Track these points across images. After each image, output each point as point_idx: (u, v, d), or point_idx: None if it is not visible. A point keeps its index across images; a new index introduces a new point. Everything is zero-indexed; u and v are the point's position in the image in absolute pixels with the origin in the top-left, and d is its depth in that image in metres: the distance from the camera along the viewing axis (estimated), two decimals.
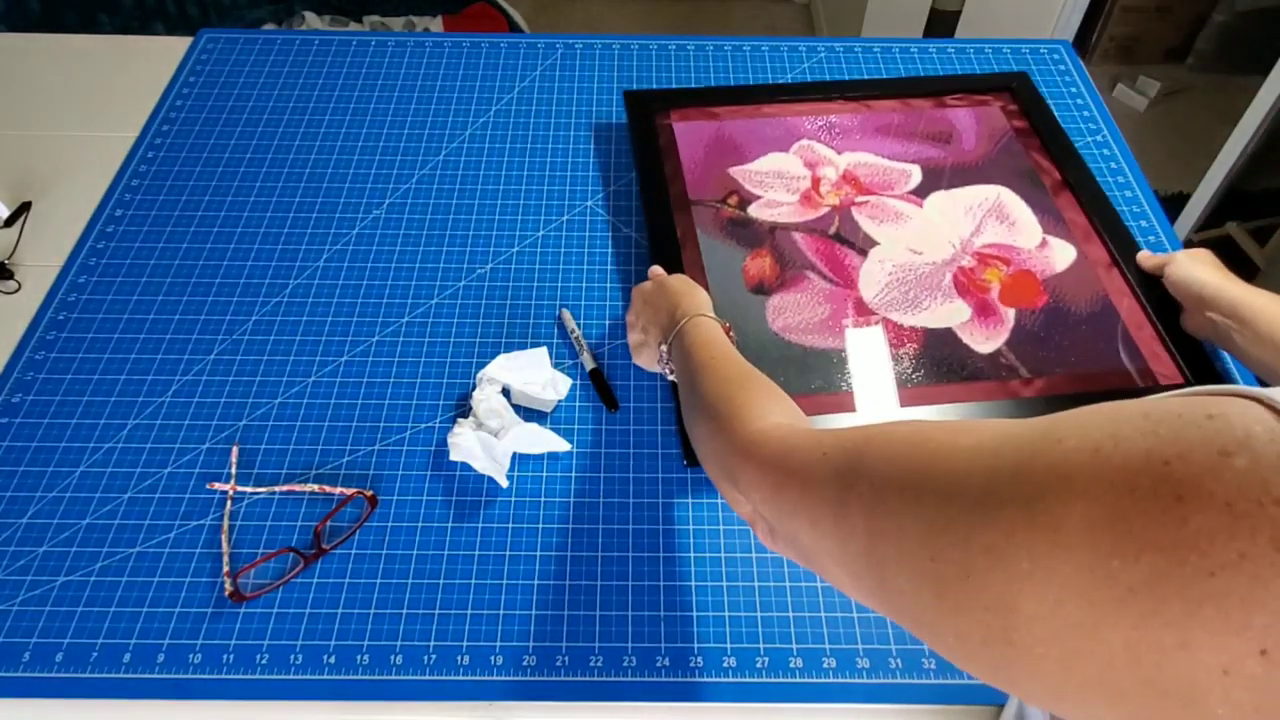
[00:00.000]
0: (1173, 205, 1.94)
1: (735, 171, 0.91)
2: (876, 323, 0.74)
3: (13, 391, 0.76)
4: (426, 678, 0.61)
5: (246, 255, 0.86)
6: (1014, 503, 0.27)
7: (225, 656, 0.62)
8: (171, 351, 0.79)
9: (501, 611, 0.64)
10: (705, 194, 0.88)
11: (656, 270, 0.76)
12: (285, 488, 0.70)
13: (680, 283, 0.70)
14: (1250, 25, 2.21)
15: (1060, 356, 0.76)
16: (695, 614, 0.64)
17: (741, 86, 1.01)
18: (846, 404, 0.73)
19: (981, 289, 0.81)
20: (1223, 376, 0.73)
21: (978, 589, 0.27)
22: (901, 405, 0.73)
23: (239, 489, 0.70)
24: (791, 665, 0.62)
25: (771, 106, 0.97)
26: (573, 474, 0.71)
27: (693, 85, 1.05)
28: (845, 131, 0.95)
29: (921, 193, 0.89)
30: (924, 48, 1.11)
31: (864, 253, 0.84)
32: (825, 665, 0.62)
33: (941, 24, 1.98)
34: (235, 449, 0.72)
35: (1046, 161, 0.92)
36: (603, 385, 0.76)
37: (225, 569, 0.65)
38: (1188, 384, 0.73)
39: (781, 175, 0.90)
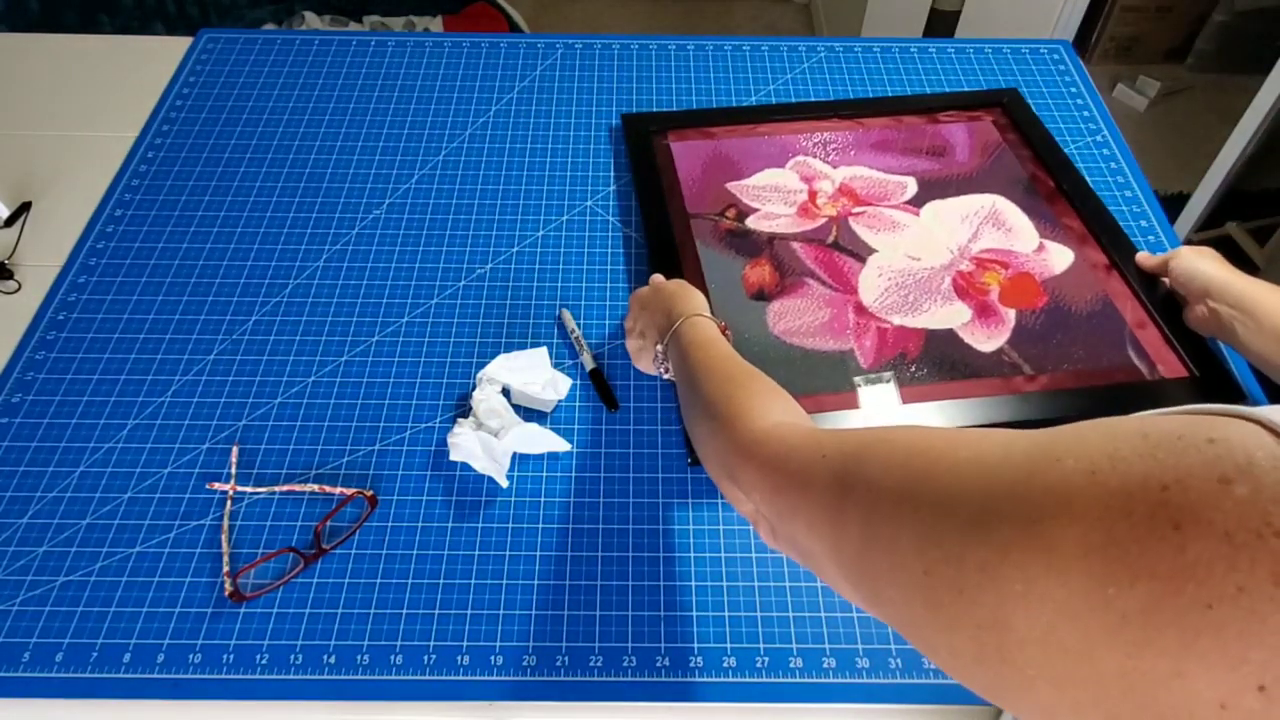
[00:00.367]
0: (1173, 205, 1.94)
1: (733, 187, 0.91)
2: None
3: (13, 391, 0.76)
4: (426, 678, 0.61)
5: (246, 255, 0.86)
6: (1010, 522, 0.27)
7: (225, 656, 0.62)
8: (171, 351, 0.79)
9: (501, 611, 0.64)
10: (703, 208, 0.89)
11: (656, 278, 0.76)
12: (285, 488, 0.70)
13: (676, 286, 0.70)
14: (1250, 25, 2.21)
15: (1063, 353, 0.76)
16: (695, 614, 0.64)
17: (737, 108, 1.01)
18: (849, 403, 0.74)
19: (981, 291, 0.82)
20: (1226, 371, 0.73)
21: (970, 606, 0.27)
22: (904, 403, 0.73)
23: (239, 489, 0.70)
24: (791, 665, 0.62)
25: (767, 125, 0.98)
26: (573, 474, 0.71)
27: (693, 86, 1.05)
28: (840, 148, 0.96)
29: (918, 203, 0.90)
30: (924, 48, 1.11)
31: (862, 260, 0.84)
32: (825, 665, 0.62)
33: (941, 24, 1.98)
34: (235, 449, 0.72)
35: (1041, 172, 0.92)
36: (603, 385, 0.76)
37: (225, 569, 0.65)
38: (1192, 377, 0.73)
39: (778, 189, 0.91)
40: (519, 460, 0.72)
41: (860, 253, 0.85)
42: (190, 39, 1.10)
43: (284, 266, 0.85)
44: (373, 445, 0.73)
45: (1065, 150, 0.94)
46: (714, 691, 0.61)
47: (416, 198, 0.92)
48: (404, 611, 0.64)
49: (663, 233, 0.85)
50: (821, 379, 0.75)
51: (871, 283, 0.82)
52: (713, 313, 0.67)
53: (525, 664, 0.62)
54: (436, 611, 0.64)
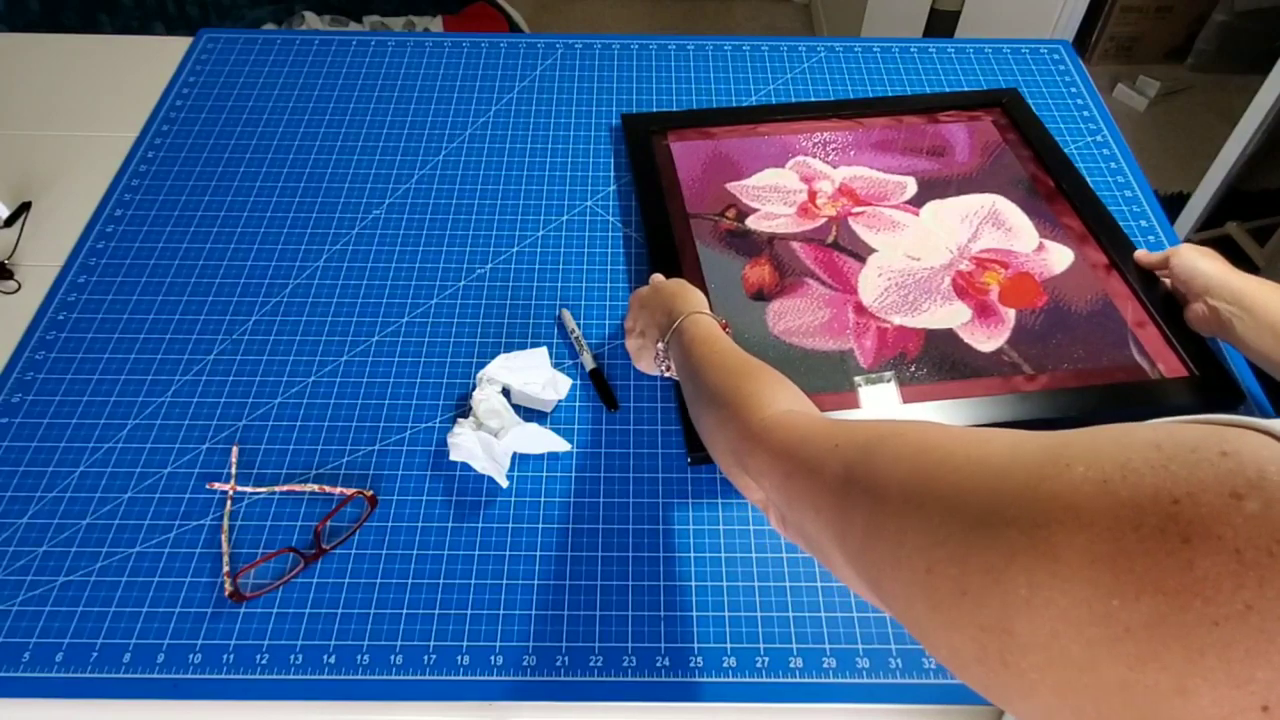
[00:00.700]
0: (1173, 205, 1.94)
1: (733, 187, 0.91)
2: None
3: (13, 391, 0.76)
4: (426, 678, 0.61)
5: (246, 255, 0.86)
6: (1016, 526, 0.26)
7: (225, 656, 0.62)
8: (171, 351, 0.79)
9: (501, 611, 0.64)
10: (703, 208, 0.89)
11: (656, 277, 0.76)
12: (285, 488, 0.70)
13: (676, 285, 0.70)
14: (1250, 25, 2.21)
15: (1063, 353, 0.76)
16: (695, 614, 0.64)
17: (737, 108, 1.01)
18: (850, 403, 0.74)
19: (981, 291, 0.82)
20: (1226, 370, 0.73)
21: (973, 608, 0.27)
22: (904, 402, 0.73)
23: (239, 489, 0.70)
24: (791, 665, 0.62)
25: (767, 126, 0.98)
26: (573, 474, 0.71)
27: (693, 86, 1.05)
28: (840, 148, 0.96)
29: (917, 203, 0.90)
30: (924, 48, 1.11)
31: (862, 260, 0.84)
32: (825, 665, 0.62)
33: (941, 24, 1.98)
34: (235, 449, 0.72)
35: (1040, 172, 0.92)
36: (603, 385, 0.76)
37: (225, 569, 0.65)
38: (1192, 377, 0.73)
39: (778, 189, 0.91)
40: (519, 460, 0.72)
41: (860, 252, 0.85)
42: (190, 39, 1.10)
43: (284, 266, 0.85)
44: (373, 445, 0.73)
45: (1065, 150, 0.94)
46: (714, 691, 0.61)
47: (416, 198, 0.92)
48: (404, 611, 0.64)
49: (662, 232, 0.85)
50: (821, 379, 0.75)
51: (871, 282, 0.82)
52: (712, 311, 0.67)
53: (525, 664, 0.62)
54: (436, 611, 0.64)
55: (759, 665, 0.62)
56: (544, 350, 0.75)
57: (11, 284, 0.84)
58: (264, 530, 0.68)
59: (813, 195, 0.91)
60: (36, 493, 0.70)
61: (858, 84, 1.06)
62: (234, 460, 0.71)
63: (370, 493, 0.69)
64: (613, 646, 0.62)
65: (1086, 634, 0.23)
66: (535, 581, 0.65)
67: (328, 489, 0.69)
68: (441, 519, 0.69)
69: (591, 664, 0.62)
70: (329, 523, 0.67)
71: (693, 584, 0.65)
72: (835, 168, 0.93)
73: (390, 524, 0.68)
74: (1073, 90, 1.05)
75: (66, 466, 0.71)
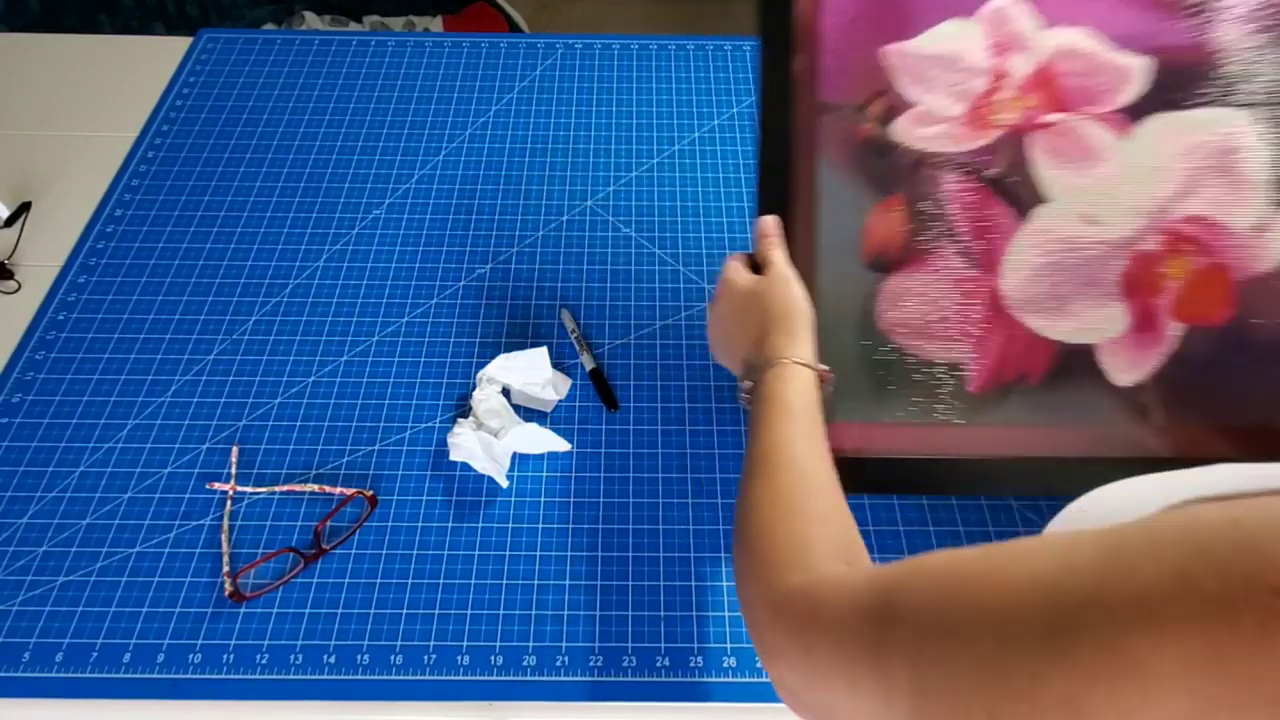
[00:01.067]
0: None
1: (893, 52, 0.63)
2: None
3: (13, 391, 0.76)
4: (426, 678, 0.61)
5: (246, 255, 0.86)
6: (1088, 644, 0.23)
7: (225, 656, 0.62)
8: (171, 351, 0.79)
9: (501, 611, 0.64)
10: (843, 93, 0.63)
11: (767, 236, 0.61)
12: (285, 488, 0.70)
13: (782, 297, 0.57)
14: None
15: (1223, 403, 0.57)
16: (695, 614, 0.64)
17: None
18: (939, 440, 0.60)
19: (1153, 288, 0.60)
20: None
21: None
22: (977, 445, 0.60)
23: (239, 489, 0.70)
24: None
25: None
26: (573, 474, 0.71)
27: (692, 86, 1.05)
28: None
29: (1137, 112, 0.60)
30: None
31: (1023, 214, 0.62)
32: None
33: None
34: (235, 449, 0.72)
35: None
36: (603, 385, 0.76)
37: (225, 569, 0.65)
38: None
39: (953, 64, 0.63)
40: (519, 460, 0.72)
41: (1025, 200, 0.62)
42: (190, 39, 1.10)
43: (284, 266, 0.85)
44: (373, 445, 0.73)
45: None
46: (714, 691, 0.61)
47: (416, 198, 0.92)
48: (404, 611, 0.64)
49: (778, 134, 0.63)
50: (916, 404, 0.60)
51: (1023, 257, 0.61)
52: (818, 290, 0.57)
53: (525, 664, 0.62)
54: (436, 611, 0.64)
55: (759, 665, 0.62)
56: (544, 350, 0.75)
57: (11, 284, 0.84)
58: (264, 530, 0.68)
59: (997, 80, 0.62)
60: (36, 493, 0.70)
61: None
62: (234, 460, 0.71)
63: (370, 493, 0.69)
64: (613, 646, 0.62)
65: None
66: (535, 581, 0.65)
67: (328, 489, 0.69)
68: (441, 519, 0.69)
69: (591, 664, 0.62)
70: (329, 523, 0.67)
71: (693, 584, 0.65)
72: (1049, 26, 0.62)
73: (390, 524, 0.68)
74: None
75: (66, 466, 0.71)
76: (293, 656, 0.62)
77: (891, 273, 0.62)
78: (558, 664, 0.62)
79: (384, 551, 0.67)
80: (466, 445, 0.68)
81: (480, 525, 0.68)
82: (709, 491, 0.70)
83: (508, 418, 0.71)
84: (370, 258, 0.86)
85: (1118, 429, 0.58)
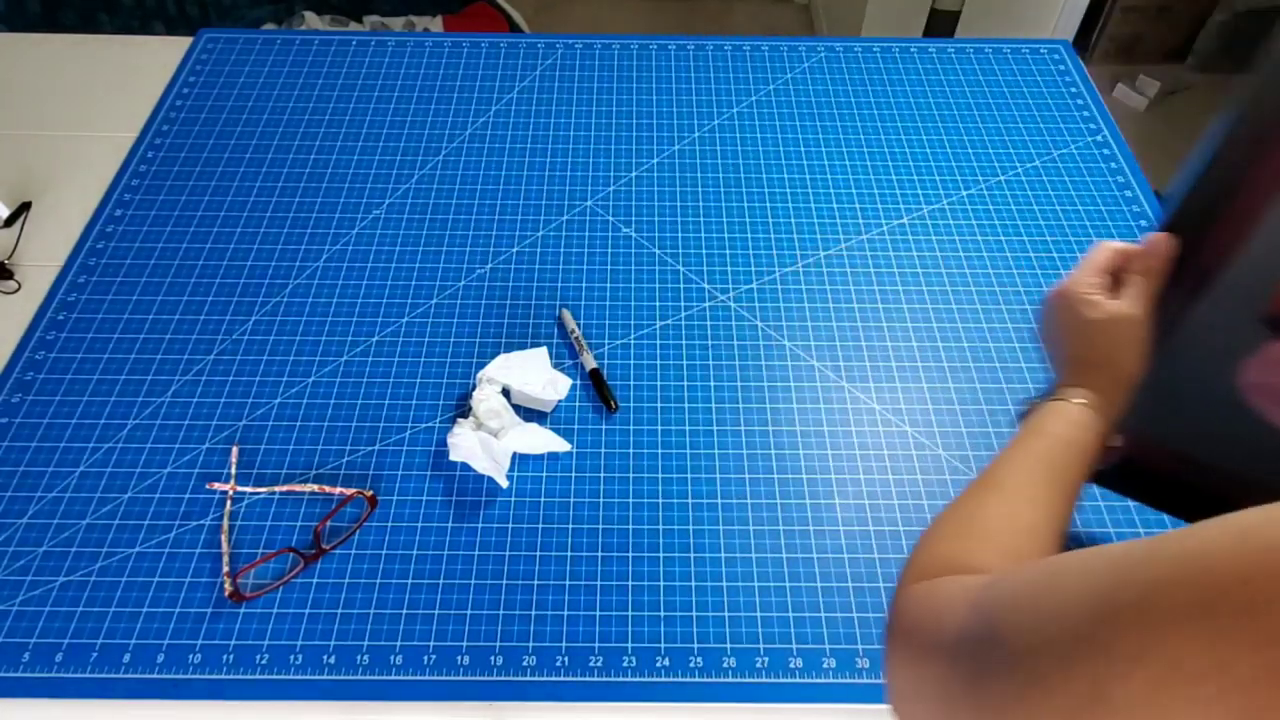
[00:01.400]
0: None
1: None
2: None
3: (13, 391, 0.76)
4: (426, 678, 0.61)
5: (246, 255, 0.86)
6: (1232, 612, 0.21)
7: (225, 656, 0.62)
8: (171, 351, 0.79)
9: (501, 611, 0.64)
10: None
11: (1150, 256, 0.53)
12: (285, 488, 0.70)
13: (1123, 341, 0.51)
14: (1250, 25, 2.21)
15: None
16: (695, 614, 0.64)
17: None
18: (1249, 495, 0.47)
19: None
20: None
21: None
22: None
23: (239, 489, 0.70)
24: (791, 665, 0.62)
25: None
26: (573, 474, 0.71)
27: (693, 86, 1.05)
28: None
29: None
30: (924, 48, 1.11)
31: None
32: (825, 665, 0.62)
33: (941, 24, 1.98)
34: (235, 449, 0.72)
35: None
36: (602, 385, 0.76)
37: (225, 569, 0.65)
38: None
39: None
40: (519, 460, 0.72)
41: None
42: (190, 39, 1.10)
43: (284, 266, 0.85)
44: (373, 445, 0.73)
45: (1064, 149, 0.93)
46: (714, 691, 0.61)
47: (416, 198, 0.92)
48: (404, 611, 0.64)
49: (1234, 162, 0.54)
50: (1234, 456, 0.53)
51: None
52: (1169, 334, 0.50)
53: (525, 664, 0.62)
54: (436, 611, 0.64)
55: (759, 665, 0.62)
56: (544, 350, 0.75)
57: (11, 284, 0.84)
58: (264, 530, 0.68)
59: None
60: (36, 493, 0.70)
61: (858, 84, 1.06)
62: (234, 460, 0.71)
63: (370, 493, 0.69)
64: (613, 646, 0.62)
65: None
66: (535, 581, 0.65)
67: (328, 489, 0.69)
68: (441, 519, 0.69)
69: (591, 664, 0.62)
70: (329, 523, 0.67)
71: (693, 584, 0.65)
72: None
73: (390, 524, 0.68)
74: (1073, 90, 1.05)
75: (66, 466, 0.71)
76: (292, 657, 0.62)
77: None
78: (558, 664, 0.62)
79: (384, 552, 0.67)
80: (466, 445, 0.68)
81: (480, 525, 0.68)
82: (709, 492, 0.70)
83: (508, 418, 0.71)
84: (370, 258, 0.86)
85: None
